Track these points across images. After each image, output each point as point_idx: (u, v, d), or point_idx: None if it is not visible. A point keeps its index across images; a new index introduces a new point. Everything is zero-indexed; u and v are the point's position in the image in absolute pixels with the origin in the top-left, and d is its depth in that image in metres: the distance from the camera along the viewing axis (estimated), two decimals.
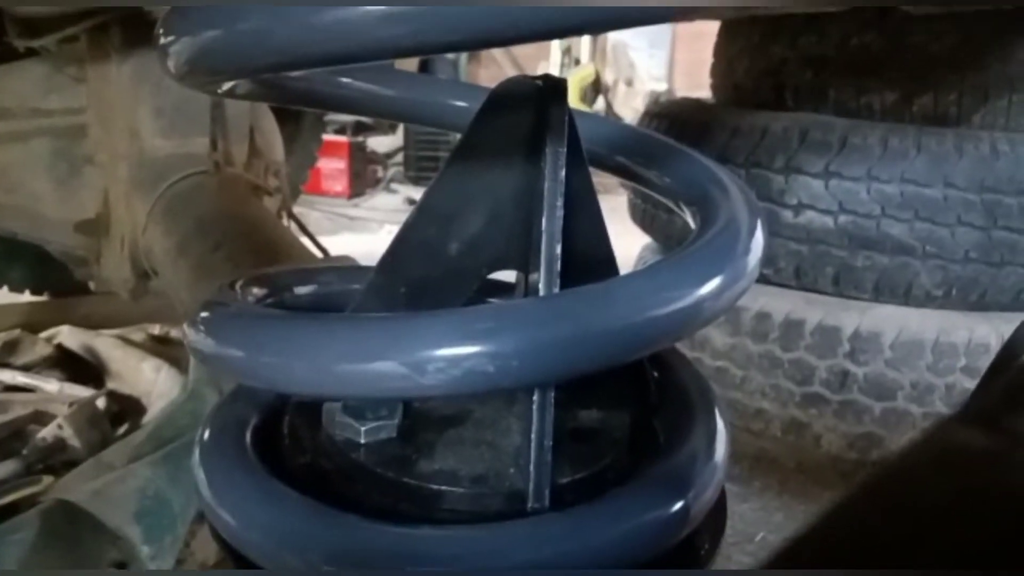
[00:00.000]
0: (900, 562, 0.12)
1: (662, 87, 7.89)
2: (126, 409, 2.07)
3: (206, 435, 0.46)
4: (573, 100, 6.63)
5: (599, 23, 0.27)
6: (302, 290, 0.49)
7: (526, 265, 0.44)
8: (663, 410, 0.47)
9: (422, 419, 0.44)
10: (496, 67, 7.24)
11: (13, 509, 1.50)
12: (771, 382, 2.05)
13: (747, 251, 0.40)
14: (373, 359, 0.30)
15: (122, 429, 1.97)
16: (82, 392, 2.00)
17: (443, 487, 0.39)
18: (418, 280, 0.44)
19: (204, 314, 0.39)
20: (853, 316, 1.78)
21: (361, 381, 0.31)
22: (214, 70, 0.34)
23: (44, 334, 2.24)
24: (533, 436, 0.38)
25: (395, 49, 0.30)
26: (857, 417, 1.81)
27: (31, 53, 1.41)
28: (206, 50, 0.33)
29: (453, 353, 0.30)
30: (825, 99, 1.87)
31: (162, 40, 0.34)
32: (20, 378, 2.08)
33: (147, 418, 1.99)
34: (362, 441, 0.41)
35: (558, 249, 0.39)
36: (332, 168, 4.75)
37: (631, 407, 0.47)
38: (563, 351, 0.31)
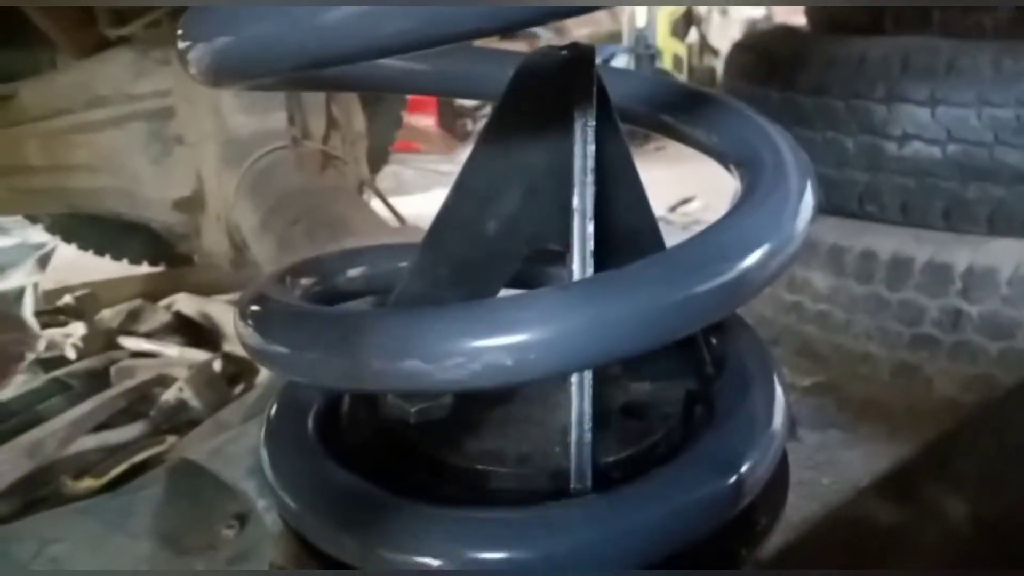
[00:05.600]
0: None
1: (760, 13, 7.47)
2: (241, 370, 2.19)
3: (272, 413, 0.48)
4: (662, 34, 6.36)
5: None
6: (353, 272, 0.50)
7: (566, 241, 0.43)
8: (719, 381, 0.46)
9: (472, 398, 0.44)
10: None
11: (142, 467, 1.63)
12: (878, 324, 1.95)
13: (795, 215, 0.37)
14: (393, 356, 0.31)
15: (238, 389, 2.09)
16: (200, 356, 2.13)
17: (488, 467, 0.39)
18: (459, 261, 0.44)
19: (252, 308, 0.40)
20: (965, 252, 1.67)
21: (383, 377, 0.31)
22: (233, 73, 0.35)
23: (162, 302, 2.39)
24: (573, 418, 0.38)
25: (407, 44, 0.30)
26: (972, 358, 1.70)
27: (121, 41, 1.48)
28: (223, 54, 0.33)
29: (470, 347, 0.30)
30: (928, 20, 1.72)
31: (180, 44, 0.34)
32: (144, 345, 2.23)
33: (260, 379, 2.10)
34: (412, 422, 0.42)
35: (590, 228, 0.38)
36: (422, 125, 4.80)
37: (685, 380, 0.45)
38: (580, 343, 0.30)
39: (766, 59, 1.97)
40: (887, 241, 1.85)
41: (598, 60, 0.40)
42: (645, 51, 6.08)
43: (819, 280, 2.05)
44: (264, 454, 0.44)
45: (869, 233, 1.89)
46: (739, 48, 2.15)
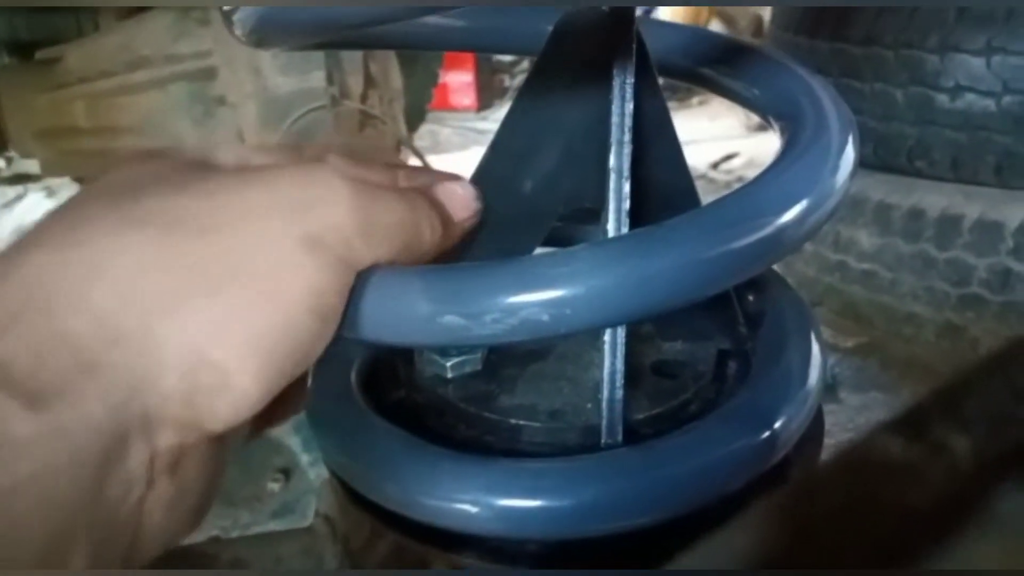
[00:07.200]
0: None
1: None
2: None
3: (316, 368, 0.49)
4: None
5: None
6: None
7: (602, 200, 0.43)
8: (754, 338, 0.46)
9: (506, 353, 0.45)
10: None
11: None
12: (924, 284, 1.91)
13: (834, 171, 0.37)
14: (434, 312, 0.32)
15: None
16: None
17: (521, 421, 0.40)
18: (495, 219, 0.44)
19: None
20: (1017, 209, 1.62)
21: (421, 331, 0.32)
22: (279, 34, 0.35)
23: None
24: (605, 375, 0.38)
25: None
26: (1020, 319, 1.66)
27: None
28: (268, 15, 0.34)
29: (508, 303, 0.31)
30: None
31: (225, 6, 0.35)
32: None
33: None
34: (448, 376, 0.43)
35: (626, 187, 0.38)
36: (459, 82, 4.75)
37: (718, 339, 0.46)
38: (614, 299, 0.30)
39: (814, 8, 1.91)
40: (936, 198, 1.80)
41: (639, 11, 0.39)
42: None
43: (864, 238, 2.01)
44: (311, 406, 0.46)
45: (918, 190, 1.84)
46: None
